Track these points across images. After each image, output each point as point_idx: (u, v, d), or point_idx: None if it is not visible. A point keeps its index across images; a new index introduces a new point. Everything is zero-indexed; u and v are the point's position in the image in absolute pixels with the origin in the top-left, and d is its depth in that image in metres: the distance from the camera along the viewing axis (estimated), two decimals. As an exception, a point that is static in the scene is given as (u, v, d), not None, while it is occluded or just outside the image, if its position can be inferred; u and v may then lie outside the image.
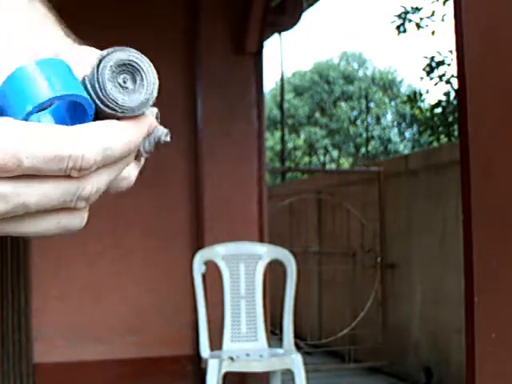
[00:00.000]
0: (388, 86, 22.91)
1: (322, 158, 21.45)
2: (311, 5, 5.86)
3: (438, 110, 9.20)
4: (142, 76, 0.42)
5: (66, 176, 0.42)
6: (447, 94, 9.01)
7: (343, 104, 22.16)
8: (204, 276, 3.84)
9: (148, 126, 0.45)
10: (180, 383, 4.59)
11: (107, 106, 0.42)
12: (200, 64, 4.68)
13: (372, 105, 21.68)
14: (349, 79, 22.74)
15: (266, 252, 3.98)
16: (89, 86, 0.42)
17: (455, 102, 8.35)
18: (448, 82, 9.04)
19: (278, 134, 19.23)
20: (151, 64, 0.43)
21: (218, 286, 3.88)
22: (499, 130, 1.57)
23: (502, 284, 1.55)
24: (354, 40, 49.65)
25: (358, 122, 21.85)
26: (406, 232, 5.34)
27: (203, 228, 4.59)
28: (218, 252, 3.90)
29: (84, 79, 0.42)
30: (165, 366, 4.58)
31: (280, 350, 3.81)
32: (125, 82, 0.42)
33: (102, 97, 0.41)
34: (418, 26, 9.51)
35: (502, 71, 1.57)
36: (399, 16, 9.55)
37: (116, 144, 0.43)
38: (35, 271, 4.46)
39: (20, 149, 0.40)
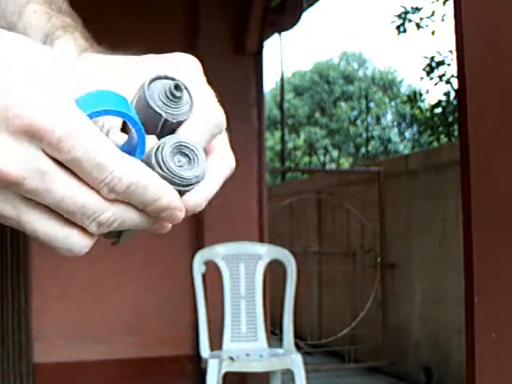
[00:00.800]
0: (388, 86, 22.91)
1: (322, 157, 21.45)
2: (311, 5, 5.86)
3: (438, 110, 9.20)
4: (194, 155, 0.47)
5: (96, 190, 0.44)
6: (447, 94, 9.01)
7: (343, 104, 22.16)
8: (204, 276, 3.84)
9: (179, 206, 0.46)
10: (180, 383, 4.59)
11: (173, 183, 0.46)
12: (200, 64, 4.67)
13: (372, 105, 21.68)
14: (349, 79, 22.74)
15: (266, 252, 3.98)
16: (154, 163, 0.45)
17: (455, 102, 8.35)
18: (448, 82, 9.04)
19: (278, 134, 19.23)
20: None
21: (218, 286, 3.88)
22: (499, 130, 1.57)
23: (502, 284, 1.55)
24: (354, 40, 49.64)
25: (358, 122, 21.85)
26: (405, 232, 5.34)
27: (203, 228, 4.59)
28: (218, 252, 3.90)
29: (150, 155, 0.46)
30: (165, 365, 4.58)
31: (280, 350, 3.81)
32: (179, 161, 0.46)
33: (165, 171, 0.46)
34: (418, 26, 9.51)
35: (502, 71, 1.57)
36: (399, 16, 9.56)
37: (153, 192, 0.45)
38: (35, 271, 4.46)
39: (79, 134, 0.42)
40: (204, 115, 0.50)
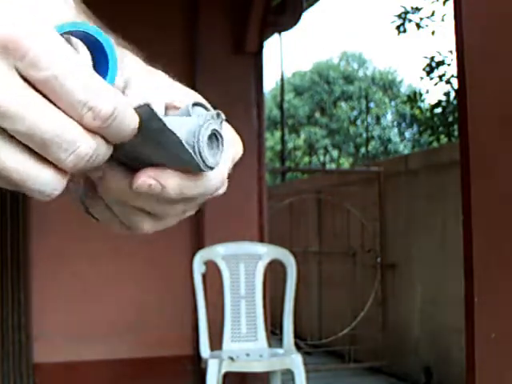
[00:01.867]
0: (388, 86, 22.90)
1: (321, 157, 21.45)
2: (311, 5, 5.86)
3: (438, 110, 9.20)
4: (220, 141, 0.48)
5: (75, 118, 0.40)
6: (447, 94, 9.01)
7: (343, 104, 22.16)
8: (204, 276, 3.84)
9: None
10: (180, 383, 4.59)
11: (206, 166, 0.47)
12: (200, 64, 4.68)
13: (372, 105, 21.68)
14: (349, 79, 22.74)
15: (266, 252, 3.98)
16: (191, 150, 0.46)
17: (455, 102, 8.35)
18: (448, 81, 9.04)
19: (277, 133, 19.23)
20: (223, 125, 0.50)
21: (218, 286, 3.88)
22: (499, 130, 1.57)
23: (502, 284, 1.55)
24: (354, 40, 49.67)
25: (358, 122, 21.85)
26: (405, 232, 5.34)
27: (203, 228, 4.59)
28: (218, 252, 3.90)
29: (187, 144, 0.46)
30: (165, 365, 4.58)
31: (280, 350, 3.81)
32: (212, 148, 0.47)
33: (203, 159, 0.46)
34: (418, 26, 9.51)
35: (502, 71, 1.57)
36: (399, 16, 9.55)
37: (128, 122, 0.42)
38: (35, 271, 4.45)
39: (60, 50, 0.38)
40: (229, 147, 0.51)
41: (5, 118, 0.38)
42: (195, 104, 0.50)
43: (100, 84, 0.40)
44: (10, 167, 0.39)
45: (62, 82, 0.38)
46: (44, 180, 0.40)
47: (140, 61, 0.54)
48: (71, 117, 0.39)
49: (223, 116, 0.49)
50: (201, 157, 0.46)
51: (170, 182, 0.46)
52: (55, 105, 0.39)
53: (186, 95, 0.53)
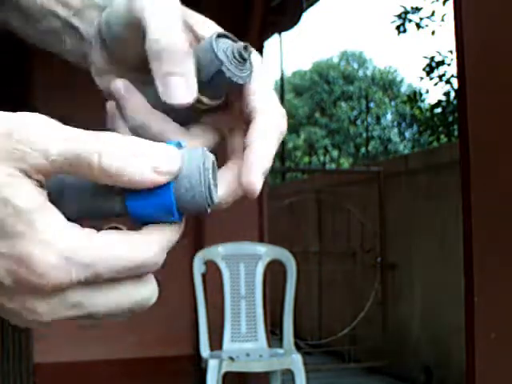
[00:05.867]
0: (388, 85, 22.91)
1: (322, 157, 21.45)
2: (311, 5, 5.86)
3: (438, 110, 9.20)
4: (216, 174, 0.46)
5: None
6: (447, 94, 9.01)
7: (343, 104, 22.15)
8: (204, 276, 3.84)
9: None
10: (180, 383, 4.59)
11: (209, 205, 0.45)
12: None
13: (372, 105, 21.68)
14: (349, 79, 22.74)
15: (265, 252, 3.98)
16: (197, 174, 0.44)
17: (455, 102, 8.35)
18: (448, 81, 9.04)
19: (278, 133, 19.17)
20: None
21: (218, 286, 3.87)
22: (499, 130, 1.57)
23: (502, 284, 1.55)
24: (354, 39, 49.68)
25: (358, 122, 21.85)
26: (405, 232, 5.34)
27: (203, 228, 4.59)
28: (218, 252, 3.90)
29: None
30: (165, 365, 4.58)
31: (280, 350, 3.81)
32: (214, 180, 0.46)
33: (209, 200, 0.44)
34: (418, 26, 9.51)
35: (502, 71, 1.57)
36: (399, 16, 9.56)
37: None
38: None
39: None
40: (272, 118, 0.50)
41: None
42: (219, 35, 0.49)
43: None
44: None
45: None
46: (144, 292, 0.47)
47: None
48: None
49: (251, 48, 0.48)
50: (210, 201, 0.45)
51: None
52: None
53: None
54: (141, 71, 0.53)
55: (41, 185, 0.41)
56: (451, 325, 4.48)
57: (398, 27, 9.59)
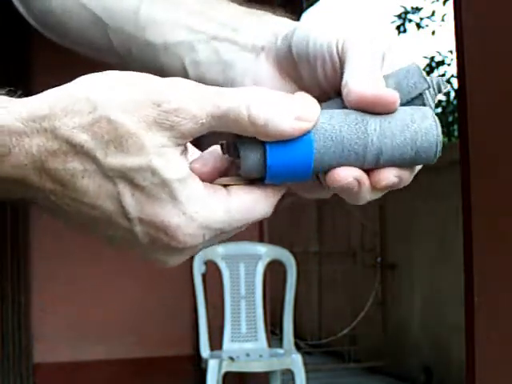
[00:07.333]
0: (388, 85, 22.89)
1: (322, 157, 21.43)
2: (311, 5, 5.85)
3: (438, 110, 9.20)
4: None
5: None
6: (447, 94, 9.01)
7: (343, 104, 22.15)
8: (204, 276, 3.84)
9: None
10: (180, 383, 4.59)
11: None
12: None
13: (372, 105, 21.66)
14: (349, 79, 22.73)
15: (265, 252, 3.98)
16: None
17: (455, 102, 8.35)
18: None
19: (278, 133, 19.21)
20: None
21: (218, 286, 3.87)
22: (499, 130, 1.57)
23: (502, 284, 1.55)
24: (354, 40, 49.52)
25: (358, 122, 21.82)
26: (406, 232, 5.34)
27: (203, 228, 4.59)
28: (218, 252, 3.89)
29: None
30: (165, 365, 4.57)
31: (280, 350, 3.81)
32: None
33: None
34: (418, 26, 9.51)
35: (502, 71, 1.57)
36: (399, 16, 9.55)
37: None
38: (35, 271, 4.45)
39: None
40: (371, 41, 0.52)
41: None
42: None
43: None
44: None
45: None
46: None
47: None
48: None
49: (447, 84, 0.51)
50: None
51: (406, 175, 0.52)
52: None
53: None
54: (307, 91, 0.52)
55: (184, 149, 0.44)
56: (451, 325, 4.48)
57: (398, 27, 9.59)
